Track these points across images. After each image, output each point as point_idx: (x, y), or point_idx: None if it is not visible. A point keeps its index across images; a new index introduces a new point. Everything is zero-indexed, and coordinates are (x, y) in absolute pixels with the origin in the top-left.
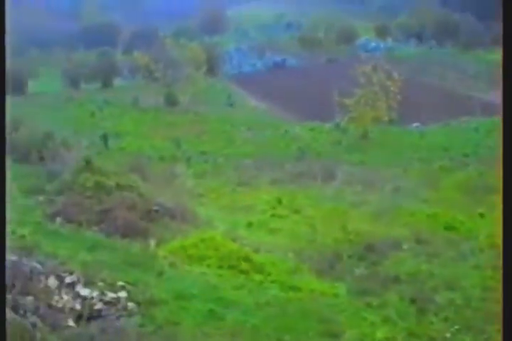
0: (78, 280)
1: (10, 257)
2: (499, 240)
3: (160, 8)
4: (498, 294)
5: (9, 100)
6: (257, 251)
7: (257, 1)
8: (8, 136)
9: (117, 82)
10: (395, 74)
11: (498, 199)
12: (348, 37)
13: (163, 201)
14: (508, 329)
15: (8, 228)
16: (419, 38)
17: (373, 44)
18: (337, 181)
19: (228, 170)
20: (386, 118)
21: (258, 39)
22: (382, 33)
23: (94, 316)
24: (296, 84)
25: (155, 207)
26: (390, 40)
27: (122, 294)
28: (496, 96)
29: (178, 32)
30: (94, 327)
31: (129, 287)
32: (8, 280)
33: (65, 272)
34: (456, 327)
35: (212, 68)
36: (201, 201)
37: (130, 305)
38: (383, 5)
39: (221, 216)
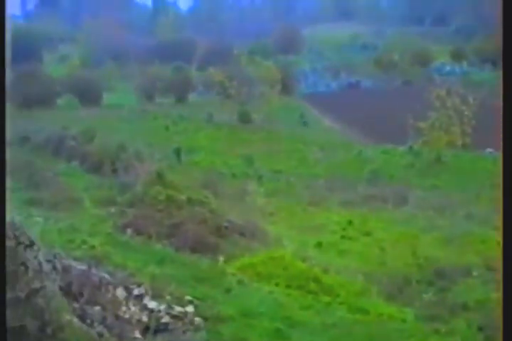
0: (146, 293)
1: (79, 266)
2: None
3: (236, 25)
4: None
5: (84, 111)
6: (325, 271)
7: (333, 21)
8: (81, 147)
9: (192, 97)
10: (470, 99)
11: None
12: (423, 60)
13: (234, 218)
14: (508, 329)
15: (79, 238)
16: (494, 62)
17: (448, 68)
18: (409, 205)
19: (300, 190)
20: (460, 143)
21: (333, 59)
22: (457, 56)
23: (160, 329)
24: (371, 105)
25: (225, 224)
26: (465, 64)
27: (189, 309)
28: None
29: (254, 50)
30: (160, 340)
31: (196, 302)
32: (76, 289)
33: (133, 284)
34: None
35: (286, 87)
36: (271, 219)
37: (197, 320)
38: (459, 28)
39: (291, 235)
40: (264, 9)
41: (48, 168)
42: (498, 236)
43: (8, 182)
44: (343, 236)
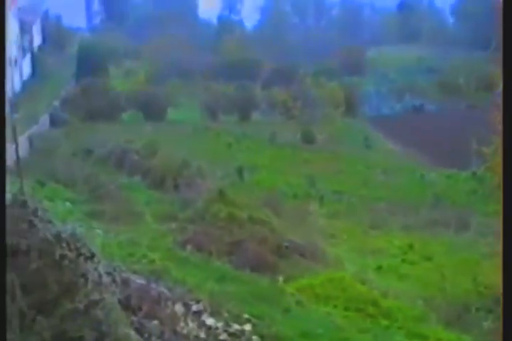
0: (204, 309)
1: (138, 280)
2: None
3: (301, 45)
4: None
5: (148, 126)
6: (385, 295)
7: (399, 43)
8: (144, 161)
9: (255, 115)
10: None
11: None
12: (488, 84)
13: (295, 238)
14: (508, 329)
15: (139, 251)
16: None
17: None
18: (471, 231)
19: (361, 212)
20: None
21: (398, 82)
22: None
23: None
24: (434, 129)
25: (286, 243)
26: None
27: (247, 327)
28: None
29: (318, 71)
30: None
31: (254, 320)
32: (135, 303)
33: (192, 300)
34: None
35: (350, 109)
36: (332, 241)
37: (254, 338)
38: None
39: (351, 257)
40: (329, 30)
41: (111, 181)
42: None
43: (71, 194)
44: (403, 260)
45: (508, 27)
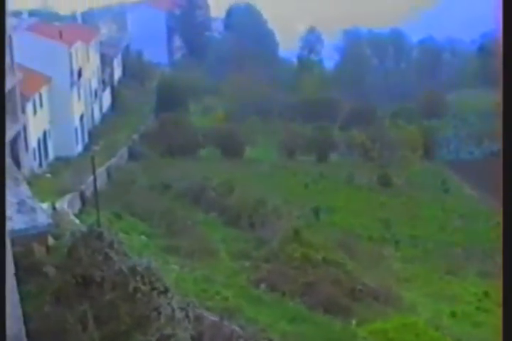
0: None
1: (212, 317)
2: None
3: (380, 87)
4: None
5: (226, 163)
6: None
7: (478, 87)
8: (221, 199)
9: (333, 156)
10: None
11: None
12: None
13: (369, 281)
14: (508, 329)
15: (213, 288)
16: None
17: None
18: None
19: (437, 257)
20: None
21: (477, 126)
22: None
23: None
24: None
25: (359, 287)
26: None
27: None
28: None
29: (397, 113)
30: None
31: None
32: (207, 340)
33: (264, 339)
34: None
35: (428, 152)
36: (407, 285)
37: None
38: None
39: (425, 303)
40: (408, 72)
41: (187, 217)
42: None
43: (147, 228)
44: (478, 308)
45: (508, 27)
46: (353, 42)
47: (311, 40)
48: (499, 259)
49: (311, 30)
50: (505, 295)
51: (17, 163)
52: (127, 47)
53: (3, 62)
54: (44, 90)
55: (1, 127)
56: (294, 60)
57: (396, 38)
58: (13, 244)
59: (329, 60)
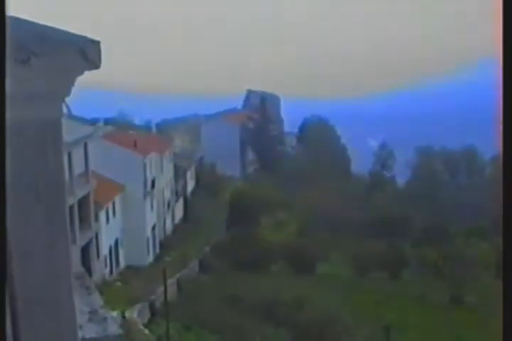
0: None
1: None
2: None
3: (452, 203)
4: None
5: (297, 279)
6: None
7: None
8: (291, 314)
9: (405, 274)
10: None
11: None
12: None
13: None
14: (508, 329)
15: None
16: None
17: None
18: None
19: None
20: None
21: None
22: None
23: None
24: None
25: None
26: None
27: None
28: None
29: (470, 231)
30: None
31: None
32: None
33: None
34: None
35: (501, 271)
36: None
37: None
38: None
39: None
40: (482, 189)
41: (257, 331)
42: None
43: None
44: None
45: (508, 28)
46: (426, 158)
47: (384, 156)
48: None
49: (384, 146)
50: (505, 295)
51: (88, 270)
52: (201, 159)
53: (3, 62)
54: (118, 199)
55: (1, 127)
56: (366, 176)
57: (469, 154)
58: None
59: (401, 176)
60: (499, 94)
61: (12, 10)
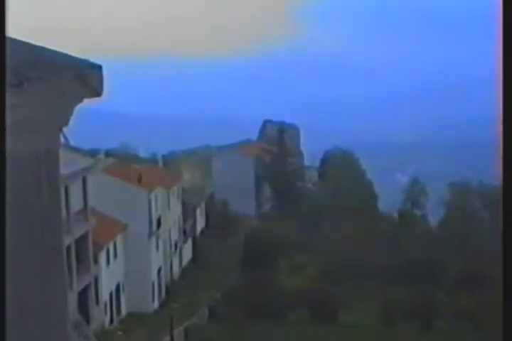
0: None
1: None
2: None
3: (490, 244)
4: None
5: (317, 328)
6: None
7: None
8: None
9: (438, 325)
10: None
11: None
12: None
13: None
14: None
15: None
16: None
17: None
18: None
19: None
20: None
21: None
22: None
23: None
24: None
25: None
26: None
27: None
28: None
29: None
30: None
31: None
32: None
33: None
34: None
35: None
36: None
37: None
38: None
39: None
40: None
41: None
42: None
43: None
44: None
45: (508, 29)
46: (461, 196)
47: (414, 193)
48: None
49: (415, 182)
50: (505, 295)
51: (86, 318)
52: (212, 195)
53: (4, 63)
54: (119, 239)
55: (1, 127)
56: (395, 215)
57: None
58: None
59: (434, 215)
60: (499, 94)
61: None
